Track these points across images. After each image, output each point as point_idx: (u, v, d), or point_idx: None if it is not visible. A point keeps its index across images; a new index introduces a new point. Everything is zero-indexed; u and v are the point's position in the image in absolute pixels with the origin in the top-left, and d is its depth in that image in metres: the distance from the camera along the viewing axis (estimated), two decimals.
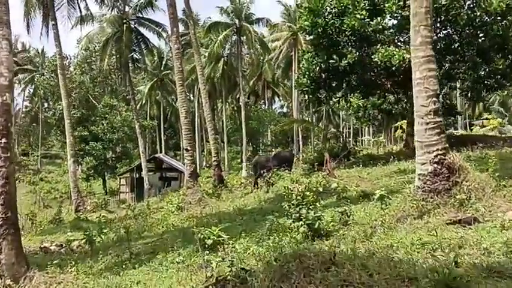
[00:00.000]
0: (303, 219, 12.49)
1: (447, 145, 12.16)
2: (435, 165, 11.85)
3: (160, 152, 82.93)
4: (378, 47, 27.70)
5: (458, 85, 34.80)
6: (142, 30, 57.24)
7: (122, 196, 58.84)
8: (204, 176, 65.90)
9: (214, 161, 37.28)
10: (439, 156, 11.88)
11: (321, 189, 14.63)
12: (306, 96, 32.49)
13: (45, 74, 76.68)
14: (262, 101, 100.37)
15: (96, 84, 67.04)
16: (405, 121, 36.24)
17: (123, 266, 13.62)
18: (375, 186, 18.62)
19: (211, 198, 27.71)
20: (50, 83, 68.66)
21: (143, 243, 16.54)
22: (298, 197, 13.06)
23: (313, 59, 29.38)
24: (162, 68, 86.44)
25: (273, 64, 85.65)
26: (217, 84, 77.82)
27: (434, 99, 12.11)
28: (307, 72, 29.84)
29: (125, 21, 54.39)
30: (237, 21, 68.75)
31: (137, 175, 60.13)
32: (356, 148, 35.35)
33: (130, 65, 57.12)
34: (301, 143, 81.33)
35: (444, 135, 12.28)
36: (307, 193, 12.90)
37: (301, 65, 31.78)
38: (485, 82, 30.27)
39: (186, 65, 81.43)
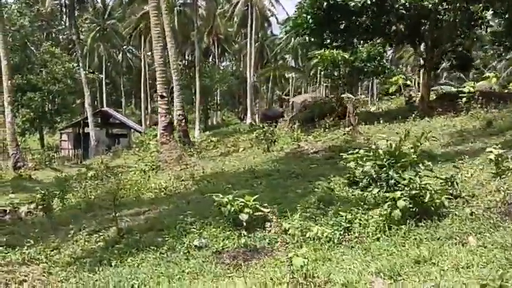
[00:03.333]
0: (404, 189, 8.30)
1: None
2: None
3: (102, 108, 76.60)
4: None
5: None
6: None
7: (63, 153, 52.85)
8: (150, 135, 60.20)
9: (179, 115, 32.30)
10: None
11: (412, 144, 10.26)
12: (307, 38, 27.75)
13: None
14: (211, 58, 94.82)
15: (36, 29, 59.80)
16: (401, 76, 32.15)
17: (113, 251, 9.05)
18: (432, 145, 14.56)
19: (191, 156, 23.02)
20: None
21: (129, 214, 11.86)
22: (387, 156, 8.88)
23: None
24: (105, 17, 79.66)
25: (226, 19, 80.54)
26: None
27: None
28: (310, 10, 25.00)
29: None
30: None
31: (81, 130, 54.29)
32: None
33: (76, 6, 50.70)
34: (250, 103, 75.54)
35: None
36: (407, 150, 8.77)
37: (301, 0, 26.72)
38: None
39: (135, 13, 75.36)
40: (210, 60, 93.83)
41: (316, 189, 11.30)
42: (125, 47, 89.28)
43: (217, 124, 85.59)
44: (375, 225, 8.36)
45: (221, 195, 9.74)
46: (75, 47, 57.85)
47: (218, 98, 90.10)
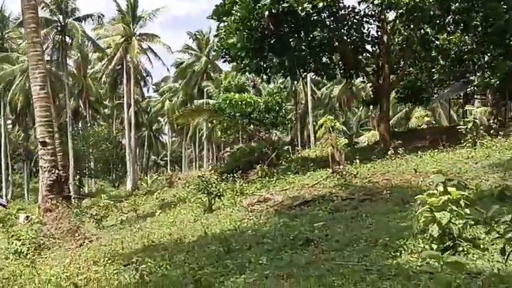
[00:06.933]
0: None
1: None
2: None
3: None
4: None
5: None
6: None
7: None
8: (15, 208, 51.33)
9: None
10: None
11: None
12: (240, 63, 22.39)
13: None
14: (81, 120, 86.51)
15: None
16: (330, 117, 27.55)
17: None
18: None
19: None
20: None
21: None
22: None
23: (253, 4, 19.34)
24: None
25: (98, 79, 73.87)
26: (31, 97, 62.76)
27: None
28: (242, 27, 19.62)
29: None
30: (60, 17, 54.83)
31: None
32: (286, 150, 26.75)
33: None
34: (132, 168, 67.77)
35: None
36: None
37: (231, 17, 20.90)
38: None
39: None
40: (81, 123, 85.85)
41: (387, 262, 6.20)
42: None
43: (91, 192, 77.09)
44: None
45: None
46: None
47: (92, 164, 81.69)
